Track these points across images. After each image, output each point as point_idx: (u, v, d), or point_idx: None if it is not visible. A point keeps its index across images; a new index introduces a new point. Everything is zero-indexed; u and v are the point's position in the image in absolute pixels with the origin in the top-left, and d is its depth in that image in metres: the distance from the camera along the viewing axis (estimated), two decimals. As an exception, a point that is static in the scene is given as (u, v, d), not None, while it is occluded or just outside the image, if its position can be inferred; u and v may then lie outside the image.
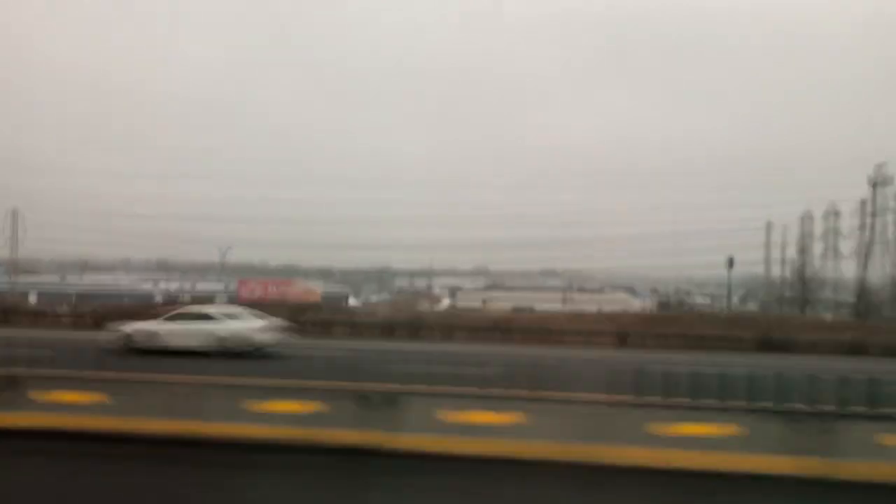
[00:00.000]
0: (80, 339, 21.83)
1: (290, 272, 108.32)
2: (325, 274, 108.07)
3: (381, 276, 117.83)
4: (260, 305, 56.27)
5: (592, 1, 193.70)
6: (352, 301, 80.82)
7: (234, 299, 70.84)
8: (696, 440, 8.15)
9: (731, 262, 65.42)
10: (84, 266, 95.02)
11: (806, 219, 75.37)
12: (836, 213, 72.85)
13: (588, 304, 65.17)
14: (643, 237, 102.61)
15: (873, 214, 68.89)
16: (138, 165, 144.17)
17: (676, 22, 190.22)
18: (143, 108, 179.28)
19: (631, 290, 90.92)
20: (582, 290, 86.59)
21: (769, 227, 78.06)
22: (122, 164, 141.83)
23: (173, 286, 78.64)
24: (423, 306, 67.83)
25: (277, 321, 22.22)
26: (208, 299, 53.61)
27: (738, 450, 8.02)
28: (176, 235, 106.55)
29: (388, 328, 34.98)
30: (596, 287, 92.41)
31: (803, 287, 68.25)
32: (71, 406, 9.25)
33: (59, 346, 15.38)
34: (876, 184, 74.15)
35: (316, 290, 77.82)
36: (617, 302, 72.78)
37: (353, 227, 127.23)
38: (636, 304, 76.04)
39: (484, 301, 75.20)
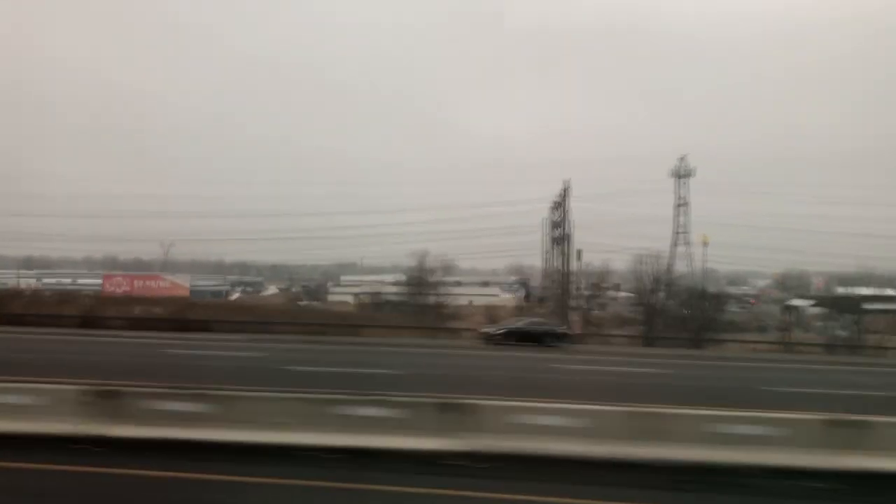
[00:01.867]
0: None
1: (242, 269, 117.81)
2: (243, 269, 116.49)
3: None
4: (121, 300, 66.01)
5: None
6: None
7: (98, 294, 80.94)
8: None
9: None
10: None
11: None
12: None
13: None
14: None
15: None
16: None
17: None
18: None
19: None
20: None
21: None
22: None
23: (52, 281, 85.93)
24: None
25: None
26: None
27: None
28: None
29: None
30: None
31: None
32: None
33: None
34: (679, 176, 79.51)
35: (184, 284, 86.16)
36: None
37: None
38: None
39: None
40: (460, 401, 11.01)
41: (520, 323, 32.64)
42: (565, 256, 63.42)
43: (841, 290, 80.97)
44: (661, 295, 53.86)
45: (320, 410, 10.80)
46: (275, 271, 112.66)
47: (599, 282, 60.01)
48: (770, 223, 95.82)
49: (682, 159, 79.60)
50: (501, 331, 31.04)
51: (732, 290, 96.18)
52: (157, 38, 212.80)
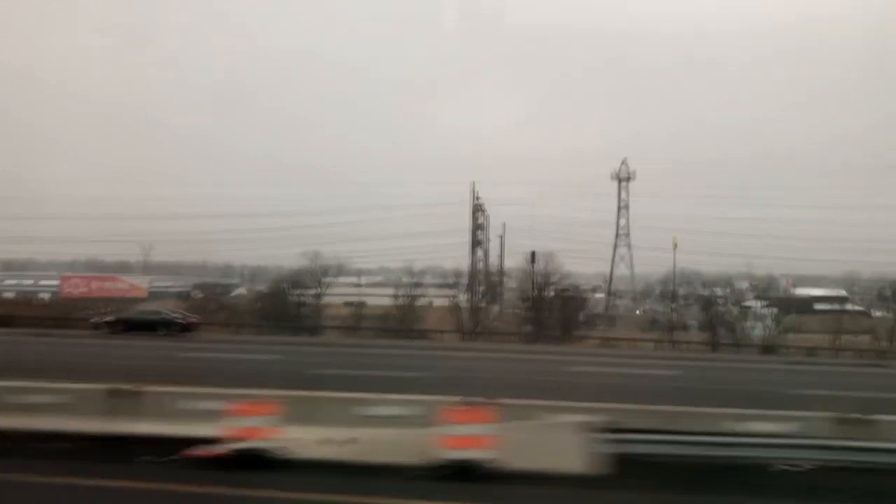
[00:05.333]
0: None
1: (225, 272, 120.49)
2: (226, 272, 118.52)
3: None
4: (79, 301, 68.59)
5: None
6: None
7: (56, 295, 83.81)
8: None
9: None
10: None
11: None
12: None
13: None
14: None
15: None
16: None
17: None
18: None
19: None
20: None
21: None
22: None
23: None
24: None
25: None
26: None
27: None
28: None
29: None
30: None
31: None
32: None
33: None
34: (620, 179, 77.18)
35: (141, 286, 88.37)
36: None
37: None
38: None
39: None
40: None
41: (132, 312, 34.03)
42: (477, 257, 62.97)
43: (799, 292, 77.88)
44: (542, 294, 52.67)
45: None
46: (256, 273, 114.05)
47: (495, 281, 59.12)
48: (755, 229, 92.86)
49: (623, 163, 77.74)
50: (110, 319, 31.89)
51: (702, 291, 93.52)
52: (144, 39, 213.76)
